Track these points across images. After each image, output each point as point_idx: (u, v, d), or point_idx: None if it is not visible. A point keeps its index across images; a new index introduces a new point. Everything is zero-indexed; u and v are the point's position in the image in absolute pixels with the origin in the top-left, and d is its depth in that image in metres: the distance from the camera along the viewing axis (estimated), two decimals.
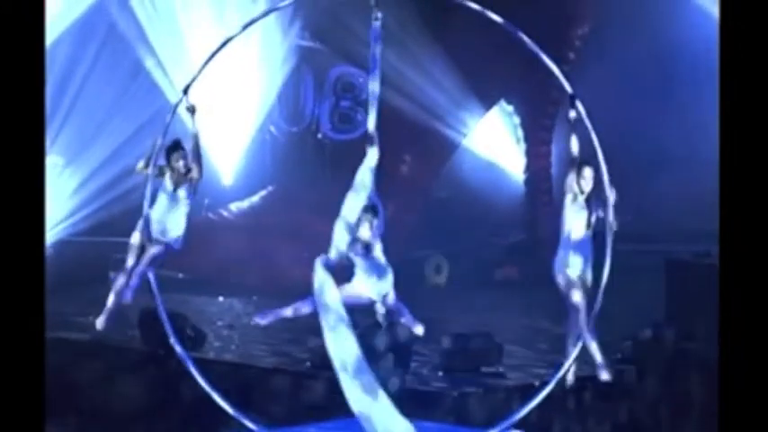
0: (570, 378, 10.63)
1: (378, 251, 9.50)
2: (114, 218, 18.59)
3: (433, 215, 19.57)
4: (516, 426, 10.31)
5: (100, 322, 11.08)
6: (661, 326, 13.36)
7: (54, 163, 18.61)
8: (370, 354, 11.76)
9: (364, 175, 9.47)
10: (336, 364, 9.25)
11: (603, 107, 13.83)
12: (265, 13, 10.48)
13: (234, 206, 19.46)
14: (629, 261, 15.25)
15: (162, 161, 10.81)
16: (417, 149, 19.02)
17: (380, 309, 9.77)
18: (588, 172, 10.48)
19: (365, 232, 9.41)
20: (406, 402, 11.46)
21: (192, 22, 19.04)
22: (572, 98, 10.29)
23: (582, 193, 10.51)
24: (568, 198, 10.53)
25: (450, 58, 18.76)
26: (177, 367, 10.41)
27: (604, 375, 10.54)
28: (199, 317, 14.63)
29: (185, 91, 10.35)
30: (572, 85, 10.38)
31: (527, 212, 20.47)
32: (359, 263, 9.47)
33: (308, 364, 12.16)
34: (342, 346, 9.26)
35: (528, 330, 14.91)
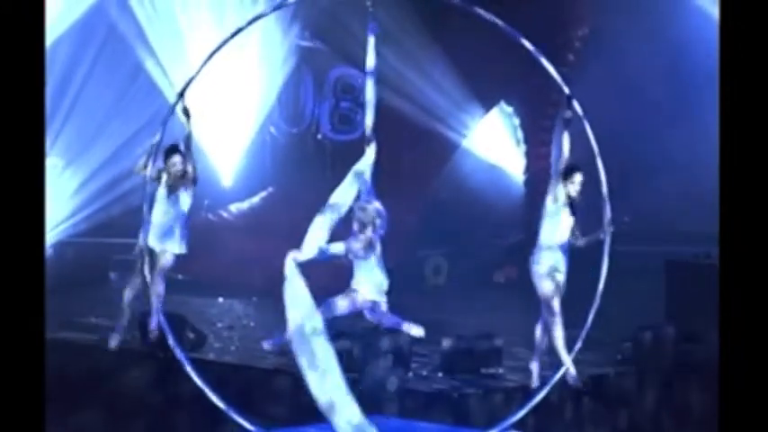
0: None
1: (378, 252, 9.51)
2: (114, 219, 18.60)
3: (433, 216, 19.56)
4: (516, 426, 10.32)
5: (114, 340, 11.13)
6: (661, 327, 13.36)
7: (54, 164, 18.61)
8: (369, 354, 11.80)
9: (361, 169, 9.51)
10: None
11: (602, 108, 13.86)
12: (254, 19, 10.47)
13: (234, 207, 19.45)
14: (629, 262, 15.35)
15: (159, 164, 10.84)
16: (417, 150, 19.01)
17: (371, 318, 9.76)
18: (578, 177, 10.53)
19: (368, 233, 9.42)
20: (406, 403, 11.48)
21: (192, 24, 19.04)
22: (568, 98, 10.34)
23: (568, 197, 10.55)
24: (549, 199, 10.60)
25: (449, 59, 18.75)
26: (177, 368, 10.41)
27: (572, 379, 10.64)
28: (198, 318, 14.63)
29: (181, 94, 10.36)
30: (571, 86, 10.40)
31: (527, 213, 20.42)
32: (362, 264, 9.47)
33: None
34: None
35: (528, 331, 14.89)
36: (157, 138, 10.47)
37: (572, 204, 10.65)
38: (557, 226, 10.64)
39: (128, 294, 11.28)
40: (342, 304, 9.57)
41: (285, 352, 12.93)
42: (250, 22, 10.29)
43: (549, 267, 10.65)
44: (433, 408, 11.48)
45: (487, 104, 19.82)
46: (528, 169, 20.42)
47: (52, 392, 9.04)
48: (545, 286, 10.68)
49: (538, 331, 11.01)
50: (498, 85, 19.49)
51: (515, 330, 13.62)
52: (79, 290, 17.02)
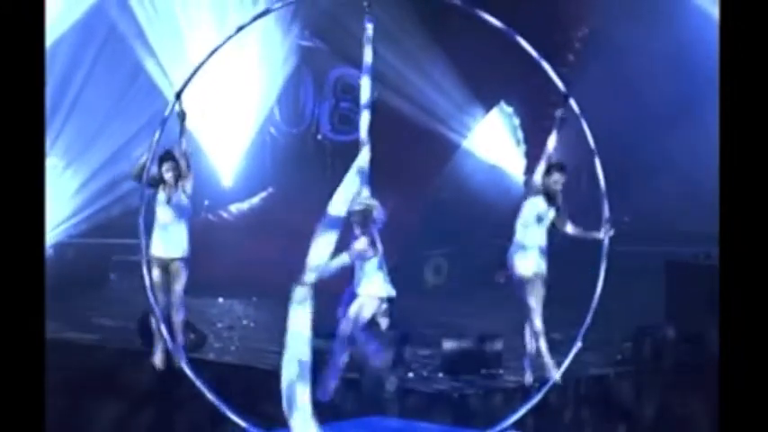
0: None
1: (380, 248, 9.53)
2: (114, 219, 18.62)
3: (433, 216, 19.56)
4: (515, 427, 10.32)
5: (159, 360, 11.14)
6: (661, 327, 13.36)
7: (54, 164, 18.62)
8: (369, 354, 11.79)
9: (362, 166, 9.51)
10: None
11: (602, 108, 13.87)
12: (256, 18, 10.47)
13: (234, 207, 19.45)
14: (629, 262, 15.36)
15: (155, 171, 10.86)
16: (417, 151, 19.00)
17: (381, 318, 9.77)
18: (557, 176, 10.73)
19: (371, 231, 9.42)
20: (406, 403, 11.48)
21: (193, 24, 19.04)
22: (565, 98, 10.40)
23: (547, 192, 10.75)
24: (531, 195, 10.82)
25: (450, 59, 18.75)
26: (177, 369, 10.41)
27: (555, 375, 10.81)
28: (198, 318, 14.62)
29: (178, 95, 10.36)
30: (571, 86, 10.41)
31: None
32: (368, 264, 9.45)
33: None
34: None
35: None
36: (155, 138, 10.43)
37: (551, 197, 10.86)
38: (533, 219, 10.88)
39: (154, 319, 11.28)
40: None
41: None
42: (250, 22, 10.28)
43: (526, 259, 10.87)
44: (433, 408, 11.48)
45: (488, 105, 19.82)
46: (528, 169, 20.41)
47: (52, 392, 9.04)
48: (524, 282, 10.90)
49: (527, 334, 11.13)
50: (498, 86, 19.49)
51: (516, 331, 13.60)
52: (79, 290, 17.02)
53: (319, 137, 20.17)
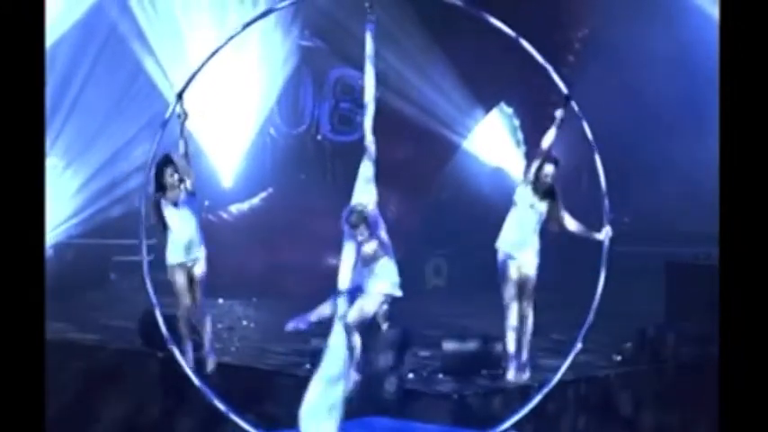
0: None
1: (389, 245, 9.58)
2: (115, 220, 18.62)
3: (433, 217, 19.56)
4: (515, 427, 10.32)
5: (211, 364, 11.19)
6: (661, 328, 13.35)
7: (54, 164, 18.62)
8: (370, 354, 11.79)
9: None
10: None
11: (602, 109, 13.86)
12: (259, 17, 10.47)
13: (234, 208, 19.45)
14: (629, 263, 15.35)
15: (156, 176, 10.86)
16: (417, 152, 19.01)
17: (380, 311, 9.80)
18: (549, 168, 11.04)
19: (379, 233, 9.44)
20: (406, 404, 11.48)
21: (193, 24, 19.05)
22: (566, 98, 10.44)
23: (536, 184, 10.93)
24: (521, 183, 11.05)
25: (450, 60, 18.75)
26: (176, 369, 10.41)
27: (524, 376, 11.03)
28: None
29: (180, 95, 10.35)
30: (571, 86, 10.42)
31: None
32: (379, 264, 9.47)
33: (308, 365, 12.15)
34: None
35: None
36: (157, 138, 10.43)
37: (544, 191, 11.03)
38: (525, 210, 11.07)
39: (182, 321, 11.31)
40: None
41: (285, 354, 13.00)
42: (250, 23, 10.28)
43: (510, 247, 11.06)
44: (433, 409, 11.48)
45: (488, 106, 19.82)
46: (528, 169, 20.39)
47: (52, 393, 9.04)
48: (503, 276, 11.05)
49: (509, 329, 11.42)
50: (499, 86, 19.49)
51: None
52: (79, 291, 17.02)
53: (319, 137, 20.18)
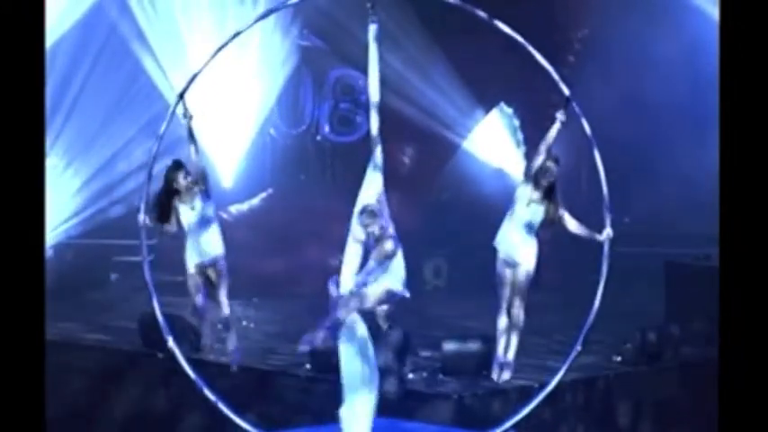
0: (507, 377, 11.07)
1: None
2: (115, 220, 18.60)
3: (433, 217, 19.55)
4: (515, 428, 10.33)
5: (234, 362, 11.25)
6: (661, 328, 13.35)
7: (54, 164, 18.62)
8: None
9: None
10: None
11: (602, 109, 13.85)
12: (261, 17, 10.47)
13: (233, 208, 19.45)
14: (629, 263, 15.34)
15: (165, 181, 10.86)
16: (417, 152, 19.01)
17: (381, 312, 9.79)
18: (550, 165, 11.01)
19: (389, 232, 9.47)
20: (406, 404, 11.48)
21: (193, 25, 19.05)
22: (567, 100, 10.45)
23: (537, 181, 10.99)
24: (522, 182, 11.08)
25: (450, 60, 18.75)
26: (176, 369, 10.41)
27: (505, 375, 11.09)
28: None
29: (181, 96, 10.35)
30: (571, 87, 10.42)
31: None
32: (387, 263, 9.47)
33: (308, 366, 12.16)
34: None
35: (528, 332, 14.90)
36: (162, 127, 10.37)
37: (543, 189, 11.08)
38: (523, 207, 11.10)
39: (204, 325, 11.33)
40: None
41: (284, 354, 12.99)
42: (261, 17, 10.28)
43: (508, 245, 11.08)
44: (433, 409, 11.48)
45: (487, 105, 19.82)
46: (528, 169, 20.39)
47: (52, 393, 9.04)
48: (500, 276, 11.02)
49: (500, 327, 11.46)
50: (499, 87, 19.50)
51: None
52: (79, 291, 17.02)
53: (319, 138, 20.17)
